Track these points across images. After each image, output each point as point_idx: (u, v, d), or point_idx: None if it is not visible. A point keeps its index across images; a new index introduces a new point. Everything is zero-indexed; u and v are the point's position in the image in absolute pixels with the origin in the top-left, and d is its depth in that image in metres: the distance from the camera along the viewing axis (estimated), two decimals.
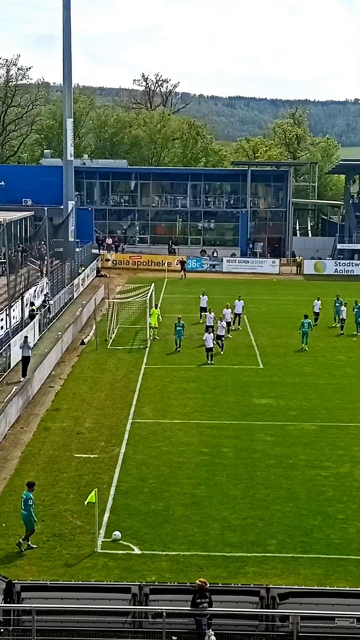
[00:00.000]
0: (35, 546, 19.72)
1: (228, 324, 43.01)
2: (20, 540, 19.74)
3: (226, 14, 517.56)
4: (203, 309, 46.32)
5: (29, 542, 19.77)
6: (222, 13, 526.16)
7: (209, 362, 37.88)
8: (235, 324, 45.20)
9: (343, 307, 45.37)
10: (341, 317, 45.23)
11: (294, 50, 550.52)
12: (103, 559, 19.23)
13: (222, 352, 39.58)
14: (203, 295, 47.60)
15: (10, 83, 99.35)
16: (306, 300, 52.90)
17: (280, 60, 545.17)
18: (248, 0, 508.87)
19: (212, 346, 38.10)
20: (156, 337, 43.01)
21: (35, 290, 45.31)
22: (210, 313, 42.06)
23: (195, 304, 49.41)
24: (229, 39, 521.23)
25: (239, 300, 46.31)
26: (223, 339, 40.18)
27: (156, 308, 44.54)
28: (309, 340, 41.65)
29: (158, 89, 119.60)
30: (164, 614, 15.65)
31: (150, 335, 42.55)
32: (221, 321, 40.72)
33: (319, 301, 47.19)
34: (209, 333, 38.27)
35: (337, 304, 46.64)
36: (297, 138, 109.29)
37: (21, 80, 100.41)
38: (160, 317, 44.31)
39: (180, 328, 39.92)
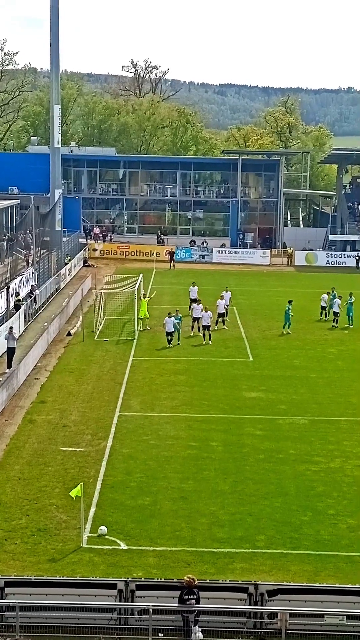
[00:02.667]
0: None
1: (221, 314, 42.89)
2: None
3: (217, 1, 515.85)
4: (193, 300, 46.07)
5: None
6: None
7: (204, 342, 39.78)
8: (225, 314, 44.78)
9: (337, 300, 45.05)
10: (334, 310, 44.92)
11: (286, 37, 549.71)
12: (89, 554, 18.99)
13: (209, 343, 39.71)
14: (193, 286, 47.24)
15: None
16: (297, 292, 52.69)
17: (272, 47, 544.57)
18: None
19: (208, 324, 39.95)
20: (147, 327, 42.66)
21: (21, 280, 44.85)
22: (198, 304, 41.81)
23: (184, 295, 49.05)
24: (220, 26, 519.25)
25: (227, 292, 45.95)
26: (209, 329, 40.09)
27: (144, 298, 44.17)
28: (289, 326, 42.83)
29: (147, 75, 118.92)
30: (151, 610, 15.52)
31: (140, 327, 42.20)
32: (206, 312, 40.49)
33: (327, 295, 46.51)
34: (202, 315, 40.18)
35: (331, 297, 46.13)
36: (289, 127, 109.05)
37: (7, 65, 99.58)
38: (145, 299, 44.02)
39: (177, 321, 39.42)
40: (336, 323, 44.62)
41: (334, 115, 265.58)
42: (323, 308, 46.35)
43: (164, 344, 39.34)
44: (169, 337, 39.02)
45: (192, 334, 41.14)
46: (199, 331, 40.77)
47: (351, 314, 44.78)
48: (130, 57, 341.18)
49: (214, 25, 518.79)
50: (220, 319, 43.20)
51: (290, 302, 43.59)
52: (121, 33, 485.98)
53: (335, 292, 46.84)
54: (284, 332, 42.69)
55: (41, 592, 16.48)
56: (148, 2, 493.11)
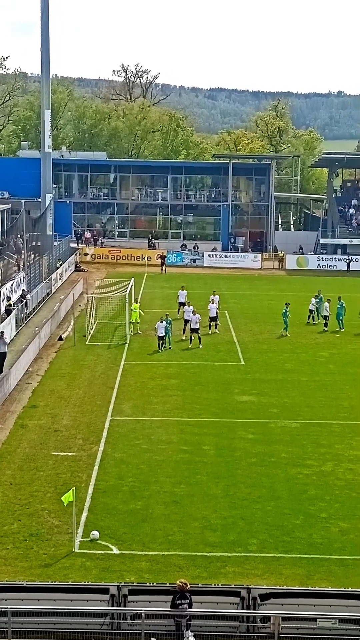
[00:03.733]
0: None
1: (213, 318, 42.80)
2: None
3: (207, 5, 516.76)
4: (182, 304, 46.07)
5: None
6: (203, 4, 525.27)
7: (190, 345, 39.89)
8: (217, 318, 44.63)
9: (326, 304, 45.12)
10: (323, 314, 44.98)
11: (276, 42, 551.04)
12: (81, 559, 18.92)
13: (200, 346, 39.74)
14: (182, 290, 47.19)
15: None
16: (288, 296, 52.68)
17: (262, 51, 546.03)
18: None
19: (197, 327, 39.95)
20: (138, 332, 42.62)
21: (12, 285, 44.75)
22: (189, 307, 41.80)
23: (175, 300, 48.98)
24: (210, 30, 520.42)
25: (214, 295, 45.77)
26: (199, 332, 40.13)
27: (136, 302, 44.13)
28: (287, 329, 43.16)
29: (138, 80, 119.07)
30: (143, 615, 15.46)
31: (131, 331, 42.16)
32: (194, 314, 40.52)
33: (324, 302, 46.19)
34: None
35: (317, 301, 46.23)
36: (280, 131, 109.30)
37: None
38: (141, 312, 43.95)
39: (167, 325, 39.33)
40: (326, 327, 44.68)
41: (324, 119, 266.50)
42: (311, 312, 46.41)
43: (155, 348, 39.32)
44: (160, 342, 38.98)
45: (183, 337, 41.14)
46: (190, 334, 40.54)
47: (341, 317, 44.85)
48: (120, 61, 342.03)
49: (205, 29, 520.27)
50: (213, 323, 43.16)
51: (287, 304, 43.77)
52: (112, 38, 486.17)
53: (321, 295, 46.92)
54: (283, 335, 42.83)
55: (33, 597, 16.38)
56: (139, 7, 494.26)
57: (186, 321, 41.31)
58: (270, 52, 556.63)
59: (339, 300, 45.30)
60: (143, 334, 42.36)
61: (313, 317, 46.30)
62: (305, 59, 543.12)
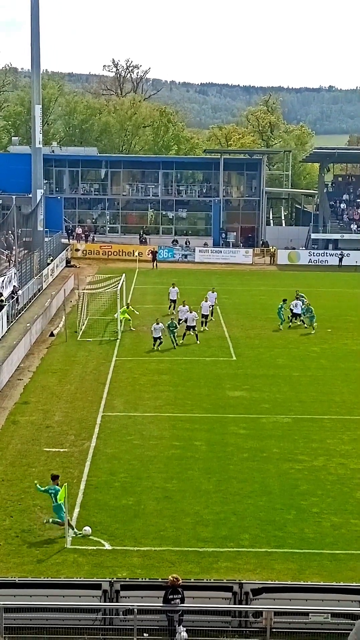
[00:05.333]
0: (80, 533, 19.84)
1: (205, 316, 42.69)
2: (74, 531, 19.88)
3: (198, 0, 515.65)
4: (173, 301, 46.01)
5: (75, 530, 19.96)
6: None
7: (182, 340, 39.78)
8: (209, 316, 44.45)
9: (299, 302, 44.36)
10: (295, 311, 44.27)
11: (267, 36, 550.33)
12: (73, 555, 18.94)
13: (197, 342, 39.80)
14: (173, 287, 47.08)
15: None
16: (279, 291, 52.81)
17: (253, 46, 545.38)
18: None
19: (194, 324, 40.00)
20: (131, 328, 42.49)
21: (2, 281, 44.65)
22: (184, 306, 41.75)
23: (167, 295, 48.94)
24: (201, 25, 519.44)
25: (213, 292, 45.77)
26: (194, 330, 40.07)
27: (127, 307, 43.70)
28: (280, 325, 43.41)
29: (129, 75, 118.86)
30: (135, 610, 15.46)
31: (122, 328, 42.05)
32: (191, 312, 40.45)
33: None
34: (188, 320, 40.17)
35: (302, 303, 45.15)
36: (271, 126, 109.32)
37: None
38: (135, 311, 43.65)
39: (172, 328, 38.67)
40: (293, 323, 44.13)
41: (315, 114, 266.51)
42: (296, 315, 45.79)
43: (147, 344, 39.30)
44: (155, 342, 38.30)
45: (182, 341, 40.49)
46: (187, 330, 40.23)
47: (308, 315, 44.11)
48: (111, 56, 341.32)
49: (196, 24, 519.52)
50: (203, 320, 42.96)
51: (284, 300, 44.00)
52: (102, 33, 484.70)
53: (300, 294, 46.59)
54: (280, 328, 43.20)
55: (25, 593, 16.39)
56: (130, 2, 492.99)
57: (180, 320, 41.12)
58: (261, 47, 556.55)
59: (303, 301, 44.81)
60: (135, 330, 42.31)
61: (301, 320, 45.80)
62: (296, 53, 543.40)
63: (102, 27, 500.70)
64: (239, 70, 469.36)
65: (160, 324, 38.61)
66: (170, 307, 46.32)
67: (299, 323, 44.22)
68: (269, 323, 44.08)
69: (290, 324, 44.11)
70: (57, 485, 20.10)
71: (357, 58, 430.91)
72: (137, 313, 44.25)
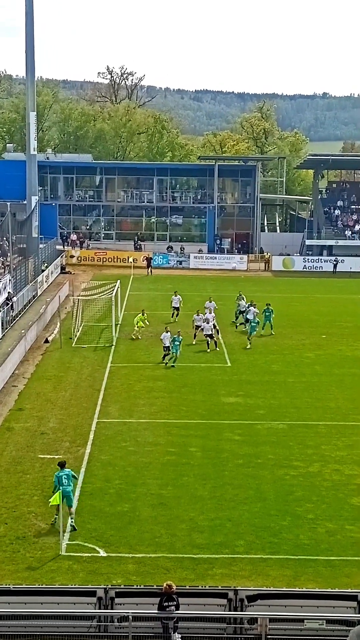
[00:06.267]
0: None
1: (197, 327, 41.67)
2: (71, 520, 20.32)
3: (193, 7, 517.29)
4: (176, 309, 45.95)
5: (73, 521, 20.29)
6: (188, 6, 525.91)
7: (208, 349, 39.64)
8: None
9: (252, 308, 43.59)
10: (247, 317, 43.86)
11: (261, 43, 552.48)
12: (68, 561, 18.87)
13: (216, 349, 39.93)
14: (175, 295, 46.91)
15: None
16: (274, 297, 52.82)
17: (248, 53, 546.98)
18: None
19: (211, 332, 39.81)
20: (138, 337, 41.98)
21: None
22: (198, 315, 41.69)
23: (162, 301, 49.04)
24: (195, 32, 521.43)
25: (210, 302, 45.16)
26: (212, 337, 40.17)
27: (143, 314, 43.13)
28: (267, 328, 43.67)
29: (123, 82, 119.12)
30: (130, 617, 15.39)
31: (134, 334, 41.95)
32: (208, 323, 40.21)
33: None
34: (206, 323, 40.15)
35: (267, 313, 44.44)
36: (265, 132, 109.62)
37: None
38: (146, 321, 43.35)
39: (177, 343, 37.02)
40: (241, 326, 44.20)
41: (309, 121, 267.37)
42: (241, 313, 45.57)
43: (141, 350, 39.31)
44: (166, 352, 37.24)
45: (194, 343, 40.75)
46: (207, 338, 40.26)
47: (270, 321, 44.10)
48: (106, 63, 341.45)
49: (190, 31, 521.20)
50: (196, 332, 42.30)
51: (268, 304, 44.32)
52: (97, 40, 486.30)
53: (242, 296, 46.58)
54: (262, 334, 43.14)
55: (20, 600, 16.30)
56: (125, 9, 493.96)
57: (196, 327, 41.18)
58: (255, 54, 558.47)
59: (267, 307, 44.48)
60: (141, 338, 41.97)
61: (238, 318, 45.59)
62: (290, 60, 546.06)
63: (97, 34, 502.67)
64: (234, 77, 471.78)
65: (169, 333, 37.77)
66: (173, 315, 46.12)
67: (245, 328, 43.75)
68: (263, 329, 44.06)
69: (238, 325, 44.42)
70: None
71: (351, 65, 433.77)
72: (148, 323, 43.87)
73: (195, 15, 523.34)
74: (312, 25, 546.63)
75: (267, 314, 44.01)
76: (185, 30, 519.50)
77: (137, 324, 42.16)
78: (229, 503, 22.15)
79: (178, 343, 37.14)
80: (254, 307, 43.71)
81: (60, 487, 20.17)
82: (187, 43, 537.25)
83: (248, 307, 44.59)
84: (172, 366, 36.62)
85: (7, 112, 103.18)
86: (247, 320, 43.96)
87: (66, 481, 20.57)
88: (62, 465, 21.09)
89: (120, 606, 16.17)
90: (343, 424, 29.19)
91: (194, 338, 41.20)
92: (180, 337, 37.50)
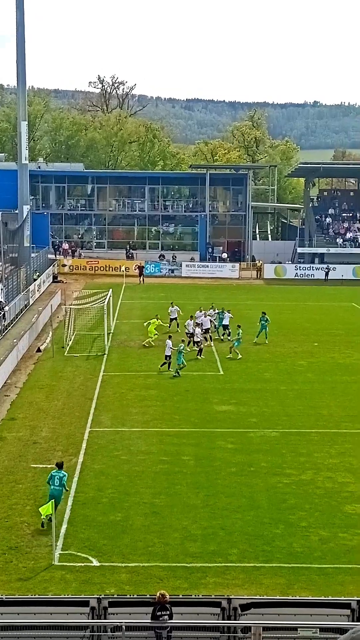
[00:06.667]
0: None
1: (190, 334, 41.81)
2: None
3: (183, 17, 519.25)
4: (174, 320, 45.94)
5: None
6: (179, 15, 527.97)
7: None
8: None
9: (227, 314, 44.42)
10: (224, 323, 44.40)
11: (252, 52, 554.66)
12: (60, 571, 18.81)
13: (200, 357, 40.09)
14: (172, 306, 46.77)
15: None
16: (266, 305, 52.87)
17: (238, 61, 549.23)
18: (205, 0, 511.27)
19: (200, 340, 40.46)
20: (152, 344, 41.93)
21: None
22: (191, 320, 42.00)
23: (154, 310, 48.89)
24: (186, 41, 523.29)
25: (200, 311, 45.08)
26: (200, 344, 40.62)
27: (157, 319, 43.15)
28: (262, 336, 43.80)
29: (114, 91, 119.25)
30: (124, 627, 15.32)
31: (147, 342, 42.08)
32: (205, 317, 41.99)
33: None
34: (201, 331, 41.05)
35: (262, 321, 44.47)
36: (256, 141, 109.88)
37: None
38: (161, 323, 43.37)
39: (181, 353, 36.84)
40: (228, 336, 43.79)
41: (300, 129, 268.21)
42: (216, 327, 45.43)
43: (134, 359, 39.29)
44: (167, 360, 37.18)
45: (210, 345, 42.39)
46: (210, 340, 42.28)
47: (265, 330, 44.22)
48: (97, 72, 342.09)
49: (181, 40, 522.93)
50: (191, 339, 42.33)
51: (263, 313, 44.37)
52: (88, 49, 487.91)
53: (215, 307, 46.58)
54: (257, 342, 43.32)
55: (12, 611, 16.21)
56: (115, 18, 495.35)
57: (206, 330, 42.56)
58: (246, 63, 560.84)
59: (263, 316, 44.50)
60: (149, 346, 41.91)
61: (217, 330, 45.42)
62: (281, 69, 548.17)
63: (88, 44, 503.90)
64: (225, 86, 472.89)
65: (170, 341, 37.73)
66: (170, 325, 45.80)
67: (224, 335, 44.19)
68: (255, 337, 44.10)
69: (222, 337, 44.33)
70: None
71: (342, 73, 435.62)
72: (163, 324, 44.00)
73: (187, 25, 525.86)
74: (302, 34, 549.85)
75: (262, 322, 43.98)
76: (176, 40, 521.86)
77: (150, 331, 42.20)
78: (221, 511, 22.13)
79: (182, 352, 37.07)
80: (228, 313, 44.58)
81: (51, 486, 20.34)
82: (178, 52, 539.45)
83: (222, 314, 44.87)
84: (176, 375, 36.44)
85: None
86: (225, 327, 44.30)
87: (57, 482, 20.85)
88: (59, 465, 21.35)
89: (114, 616, 16.09)
90: (335, 432, 29.22)
91: (210, 341, 42.69)
92: (183, 346, 37.61)
